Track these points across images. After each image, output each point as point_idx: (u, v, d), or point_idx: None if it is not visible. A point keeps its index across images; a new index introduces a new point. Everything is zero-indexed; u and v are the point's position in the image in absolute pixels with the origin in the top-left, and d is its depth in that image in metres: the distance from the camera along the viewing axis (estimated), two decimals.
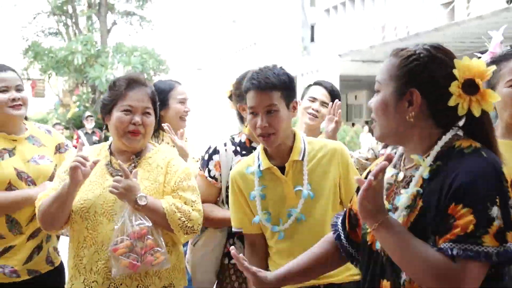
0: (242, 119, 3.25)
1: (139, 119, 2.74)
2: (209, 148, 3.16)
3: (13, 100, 3.19)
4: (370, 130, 26.37)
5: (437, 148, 1.80)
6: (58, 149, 3.42)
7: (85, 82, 23.32)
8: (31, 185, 3.19)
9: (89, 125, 14.93)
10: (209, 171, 3.08)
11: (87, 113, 15.45)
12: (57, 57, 21.51)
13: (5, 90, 3.19)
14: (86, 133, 14.63)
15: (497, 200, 1.65)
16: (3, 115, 3.20)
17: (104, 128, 2.91)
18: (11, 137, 3.25)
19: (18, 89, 3.23)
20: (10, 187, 3.12)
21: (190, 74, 46.53)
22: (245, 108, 2.97)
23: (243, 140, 3.17)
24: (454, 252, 1.63)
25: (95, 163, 2.63)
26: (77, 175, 2.59)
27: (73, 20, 28.70)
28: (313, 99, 3.92)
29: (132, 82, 2.80)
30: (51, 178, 3.21)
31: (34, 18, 30.04)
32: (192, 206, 2.74)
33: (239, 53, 47.05)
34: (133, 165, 2.79)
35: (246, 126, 3.15)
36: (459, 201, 1.66)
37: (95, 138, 14.67)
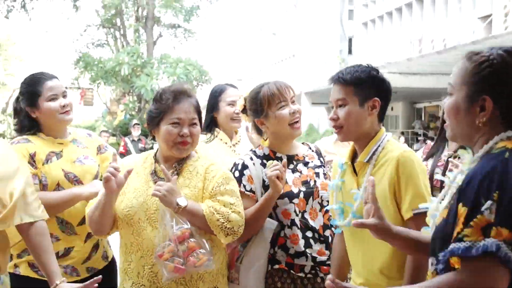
0: (260, 132, 3.21)
1: (187, 131, 2.77)
2: (237, 165, 3.10)
3: (63, 106, 3.27)
4: (406, 141, 26.07)
5: (482, 151, 1.76)
6: (99, 150, 3.52)
7: (131, 92, 23.53)
8: (77, 184, 3.26)
9: (136, 132, 15.04)
10: (244, 186, 3.02)
11: (134, 121, 15.55)
12: (105, 67, 21.76)
13: (55, 98, 3.28)
14: (132, 141, 14.73)
15: (495, 195, 1.57)
16: (55, 121, 3.29)
17: (151, 138, 2.91)
18: (58, 140, 3.32)
19: (64, 95, 3.33)
20: (58, 188, 3.19)
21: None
22: (264, 122, 3.07)
23: (266, 153, 3.12)
24: (448, 254, 1.61)
25: (129, 172, 2.67)
26: (110, 185, 2.64)
27: (121, 32, 29.05)
28: None
29: (178, 95, 2.82)
30: (96, 177, 3.36)
31: (85, 30, 30.52)
32: (231, 208, 2.73)
33: (278, 65, 47.09)
34: (175, 172, 2.81)
35: (265, 140, 3.17)
36: (460, 200, 1.65)
37: (141, 145, 14.76)
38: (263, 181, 3.01)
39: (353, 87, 2.62)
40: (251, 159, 3.07)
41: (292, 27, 42.64)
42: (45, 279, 3.02)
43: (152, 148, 16.49)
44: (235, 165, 3.10)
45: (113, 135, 22.05)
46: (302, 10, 41.15)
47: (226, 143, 3.93)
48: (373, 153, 2.63)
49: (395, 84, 26.95)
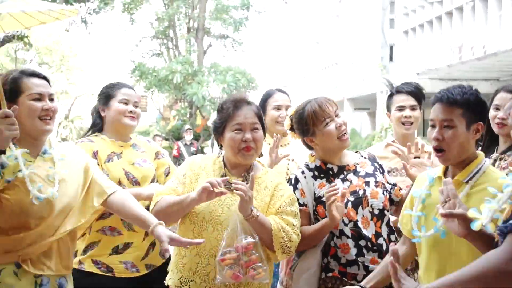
0: (311, 148, 3.18)
1: (249, 136, 2.78)
2: (290, 180, 3.11)
3: (131, 112, 3.42)
4: None
5: None
6: (157, 155, 3.62)
7: (183, 98, 23.83)
8: (135, 185, 3.35)
9: (188, 137, 15.31)
10: (297, 200, 3.00)
11: (187, 126, 15.86)
12: (159, 76, 22.13)
13: (126, 102, 3.43)
14: (185, 144, 15.00)
15: None
16: (119, 123, 3.43)
17: (219, 147, 2.96)
18: (119, 143, 3.45)
19: (136, 105, 3.47)
20: (119, 185, 3.23)
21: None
22: (312, 140, 3.05)
23: (318, 164, 3.10)
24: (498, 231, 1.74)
25: (223, 193, 2.64)
26: (204, 195, 2.64)
27: (174, 43, 29.47)
28: (401, 108, 3.78)
29: (237, 102, 2.86)
30: (153, 180, 3.46)
31: (140, 41, 31.09)
32: (293, 229, 2.76)
33: (322, 72, 46.83)
34: (245, 180, 2.81)
35: (312, 156, 3.15)
36: None
37: (193, 149, 15.04)
38: (314, 193, 3.00)
39: (462, 109, 2.43)
40: (303, 172, 3.05)
41: (334, 36, 42.44)
42: (108, 275, 3.24)
43: (202, 151, 16.78)
44: (289, 179, 3.09)
45: (166, 139, 22.40)
46: (344, 20, 40.92)
47: (269, 144, 3.87)
48: (473, 175, 2.43)
49: (436, 90, 26.50)
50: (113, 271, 3.26)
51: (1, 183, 2.46)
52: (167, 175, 3.58)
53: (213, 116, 22.83)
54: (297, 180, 3.04)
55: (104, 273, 3.23)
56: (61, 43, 38.95)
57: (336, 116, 3.01)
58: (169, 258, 3.37)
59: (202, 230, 2.74)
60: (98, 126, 3.47)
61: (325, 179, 3.02)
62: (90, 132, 3.50)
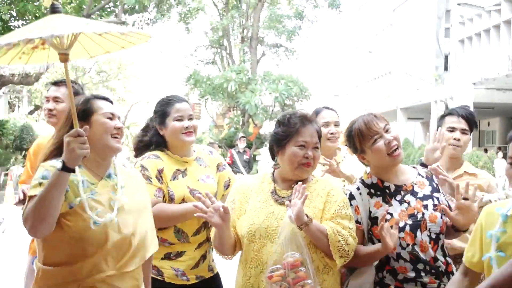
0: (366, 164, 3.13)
1: (311, 153, 2.79)
2: (345, 196, 3.01)
3: (186, 128, 3.33)
4: (504, 156, 24.75)
5: None
6: (218, 168, 3.56)
7: (236, 106, 23.87)
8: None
9: (241, 145, 15.16)
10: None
11: (240, 134, 15.70)
12: (213, 84, 22.19)
13: (180, 119, 3.35)
14: (238, 152, 14.89)
15: None
16: (177, 140, 3.36)
17: (275, 161, 2.94)
18: (183, 159, 3.40)
19: (190, 118, 3.38)
20: (183, 202, 3.26)
21: (328, 100, 46.48)
22: (364, 157, 2.99)
23: (374, 182, 3.00)
24: None
25: (226, 210, 2.70)
26: (215, 222, 2.71)
27: (228, 52, 29.67)
28: (452, 129, 3.69)
29: (304, 120, 2.84)
30: (215, 195, 3.38)
31: (195, 50, 31.42)
32: (349, 232, 2.72)
33: (374, 81, 46.36)
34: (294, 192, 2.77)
35: (367, 173, 3.06)
36: None
37: (246, 157, 14.90)
38: (370, 211, 2.92)
39: None
40: (358, 189, 2.98)
41: (388, 45, 41.88)
42: (158, 278, 3.22)
43: (255, 159, 16.67)
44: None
45: (219, 146, 22.44)
46: (398, 29, 40.33)
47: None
48: None
49: (493, 100, 25.86)
50: (163, 275, 3.27)
51: (64, 206, 2.47)
52: (226, 188, 3.56)
53: (266, 124, 22.75)
54: (352, 196, 2.97)
55: (154, 276, 3.20)
56: (119, 52, 39.80)
57: (386, 131, 2.93)
58: (216, 274, 3.46)
59: (261, 246, 2.74)
60: (160, 144, 3.43)
61: (381, 198, 2.93)
62: (155, 148, 3.44)
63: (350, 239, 2.69)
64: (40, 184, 2.41)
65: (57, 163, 2.40)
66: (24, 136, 28.44)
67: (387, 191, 2.92)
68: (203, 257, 3.37)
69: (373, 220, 2.88)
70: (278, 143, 2.85)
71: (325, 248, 2.68)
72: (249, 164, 15.12)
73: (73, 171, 2.36)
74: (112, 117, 2.65)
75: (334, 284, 2.78)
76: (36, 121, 37.82)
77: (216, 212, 2.69)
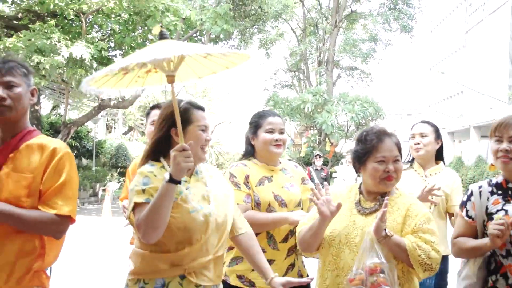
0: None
1: (392, 167, 2.74)
2: (467, 190, 2.99)
3: (276, 140, 3.37)
4: None
5: None
6: (303, 181, 3.56)
7: (313, 126, 23.79)
8: (283, 207, 3.33)
9: (318, 162, 15.09)
10: (466, 211, 2.92)
11: (316, 152, 15.61)
12: (291, 105, 22.21)
13: (271, 131, 3.40)
14: (315, 170, 14.80)
15: None
16: (266, 151, 3.41)
17: (358, 175, 2.92)
18: (270, 167, 3.45)
19: (281, 132, 3.42)
20: (269, 207, 3.30)
21: (401, 119, 45.47)
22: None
23: (499, 182, 2.90)
24: None
25: (339, 206, 2.66)
26: (324, 211, 2.68)
27: (305, 75, 29.69)
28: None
29: (381, 135, 2.80)
30: (299, 204, 3.42)
31: (275, 74, 31.66)
32: (431, 246, 2.64)
33: (447, 101, 45.00)
34: (377, 204, 2.78)
35: (492, 165, 2.96)
36: None
37: (323, 174, 14.79)
38: (487, 208, 2.85)
39: None
40: (480, 187, 2.92)
41: (460, 66, 40.59)
42: None
43: (331, 176, 16.51)
44: (466, 190, 3.00)
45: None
46: (470, 50, 39.03)
47: (419, 173, 4.01)
48: None
49: None
50: (255, 285, 3.28)
51: None
52: (311, 201, 3.46)
53: (342, 143, 22.52)
54: (471, 193, 2.93)
55: (247, 287, 3.27)
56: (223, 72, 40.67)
57: (509, 139, 2.82)
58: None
59: (340, 252, 2.74)
60: (250, 153, 3.50)
61: (501, 197, 2.84)
62: (243, 158, 3.54)
63: (432, 253, 2.62)
64: (143, 190, 2.50)
65: (151, 167, 2.55)
66: (119, 155, 29.58)
67: (510, 192, 2.83)
68: (292, 265, 3.36)
69: (489, 216, 2.81)
70: (359, 160, 2.83)
71: (406, 261, 2.64)
72: (327, 181, 15.00)
73: (179, 182, 2.42)
74: (205, 129, 2.71)
75: None
76: (130, 141, 39.23)
77: (327, 203, 2.68)
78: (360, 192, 2.89)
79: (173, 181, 2.39)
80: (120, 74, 2.52)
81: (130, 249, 3.66)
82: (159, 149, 2.67)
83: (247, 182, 3.31)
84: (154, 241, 2.47)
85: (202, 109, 2.77)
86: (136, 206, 2.48)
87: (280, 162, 3.53)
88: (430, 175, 4.03)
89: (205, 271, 2.64)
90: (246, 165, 3.41)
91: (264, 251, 3.21)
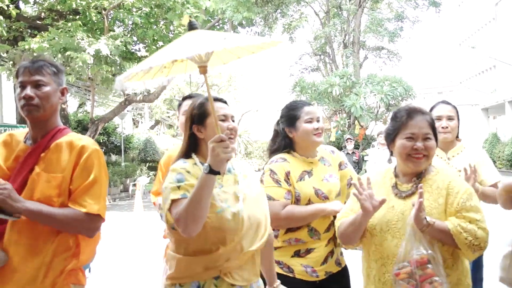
0: None
1: (421, 145, 2.71)
2: None
3: (316, 129, 3.36)
4: None
5: None
6: (340, 166, 3.53)
7: (341, 110, 23.62)
8: (324, 199, 3.32)
9: (349, 146, 14.97)
10: None
11: (348, 136, 15.48)
12: (318, 90, 22.05)
13: (310, 121, 3.37)
14: (347, 154, 14.69)
15: None
16: (308, 141, 3.38)
17: (390, 154, 2.91)
18: (309, 160, 3.41)
19: (318, 120, 3.40)
20: (309, 202, 3.29)
21: (431, 98, 44.85)
22: None
23: None
24: None
25: (381, 202, 2.65)
26: (367, 206, 2.66)
27: (331, 58, 29.45)
28: None
29: (412, 112, 2.78)
30: (338, 194, 3.42)
31: (300, 59, 31.45)
32: (477, 225, 2.57)
33: (478, 77, 44.17)
34: (414, 186, 2.73)
35: None
36: None
37: (354, 158, 14.68)
38: None
39: None
40: None
41: (491, 39, 39.71)
42: (289, 275, 3.27)
43: (363, 159, 16.36)
44: None
45: None
46: (501, 21, 38.15)
47: (441, 157, 3.90)
48: None
49: None
50: (293, 271, 3.28)
51: None
52: (349, 186, 3.51)
53: (371, 125, 22.29)
54: None
55: (285, 273, 3.27)
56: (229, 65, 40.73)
57: None
58: (344, 267, 3.41)
59: (382, 240, 2.72)
60: (288, 146, 3.46)
61: None
62: (281, 152, 3.49)
63: (479, 232, 2.55)
64: (179, 187, 2.51)
65: (184, 164, 2.59)
66: (147, 149, 29.87)
67: None
68: (331, 252, 3.35)
69: None
70: (389, 138, 2.84)
71: (452, 245, 2.59)
72: (359, 165, 14.88)
73: (219, 173, 2.43)
74: (225, 119, 2.73)
75: (460, 278, 2.67)
76: (157, 135, 39.58)
77: (369, 198, 2.66)
78: (396, 175, 2.85)
79: (213, 172, 2.39)
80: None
81: (164, 243, 3.70)
82: (189, 148, 2.71)
83: (288, 179, 3.29)
84: (194, 234, 2.46)
85: (219, 100, 2.80)
86: (173, 203, 2.49)
87: (317, 151, 3.49)
88: (453, 156, 3.96)
89: (240, 271, 2.65)
90: (286, 159, 3.39)
91: (304, 242, 3.30)
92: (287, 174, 3.30)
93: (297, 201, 3.27)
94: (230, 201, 2.64)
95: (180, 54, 2.30)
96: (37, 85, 2.57)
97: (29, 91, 2.54)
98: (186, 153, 2.70)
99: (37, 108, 2.56)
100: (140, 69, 2.36)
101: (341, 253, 3.43)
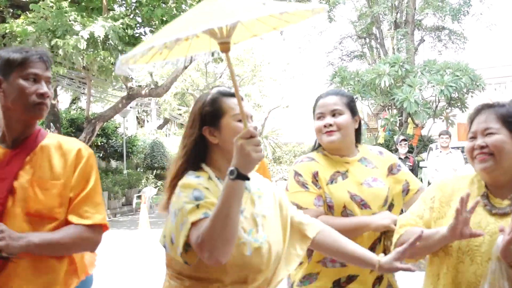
0: None
1: (480, 142, 2.68)
2: None
3: (325, 126, 3.34)
4: None
5: None
6: (390, 170, 3.46)
7: (391, 105, 23.46)
8: (363, 208, 3.27)
9: (403, 150, 14.78)
10: None
11: (401, 137, 15.28)
12: (363, 80, 21.91)
13: (320, 116, 3.38)
14: (399, 158, 14.52)
15: None
16: (321, 141, 3.40)
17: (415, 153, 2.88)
18: (344, 159, 3.38)
19: (334, 113, 3.36)
20: (345, 210, 3.23)
21: (505, 89, 44.37)
22: None
23: None
24: None
25: (474, 236, 2.53)
26: (457, 231, 2.53)
27: (378, 41, 29.35)
28: None
29: (479, 108, 2.78)
30: (385, 202, 3.34)
31: (340, 43, 31.36)
32: None
33: None
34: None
35: None
36: None
37: (408, 164, 14.51)
38: None
39: None
40: None
41: None
42: None
43: (418, 165, 16.16)
44: None
45: None
46: None
47: None
48: None
49: None
50: None
51: None
52: (406, 193, 3.46)
53: (429, 123, 22.07)
54: None
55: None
56: (253, 52, 40.82)
57: None
58: None
59: (458, 262, 2.65)
60: (318, 144, 3.50)
61: None
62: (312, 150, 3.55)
63: None
64: (198, 206, 2.40)
65: (197, 178, 2.48)
66: (154, 154, 30.11)
67: None
68: (379, 279, 3.32)
69: None
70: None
71: None
72: (414, 172, 14.74)
73: (248, 178, 2.31)
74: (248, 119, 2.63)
75: None
76: (167, 136, 39.85)
77: (464, 223, 2.51)
78: (486, 186, 2.76)
79: (242, 176, 2.27)
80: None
81: None
82: (196, 156, 2.60)
83: (316, 181, 3.27)
84: (225, 260, 2.34)
85: (233, 96, 2.69)
86: (193, 226, 2.36)
87: (358, 150, 3.47)
88: None
89: None
90: (313, 159, 3.39)
91: (343, 265, 3.24)
92: (315, 175, 3.28)
93: (329, 208, 3.23)
94: (253, 229, 2.56)
95: (197, 27, 2.17)
96: (47, 82, 2.68)
97: (46, 88, 2.65)
98: (194, 165, 2.58)
99: (47, 108, 2.69)
100: (145, 49, 2.29)
101: (394, 277, 3.40)
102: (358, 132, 3.50)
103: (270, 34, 2.64)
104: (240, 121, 2.58)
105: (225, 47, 2.39)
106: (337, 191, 3.27)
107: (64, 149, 2.66)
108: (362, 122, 21.91)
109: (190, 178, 2.50)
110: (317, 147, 3.49)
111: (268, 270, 2.59)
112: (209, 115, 2.60)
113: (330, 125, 3.32)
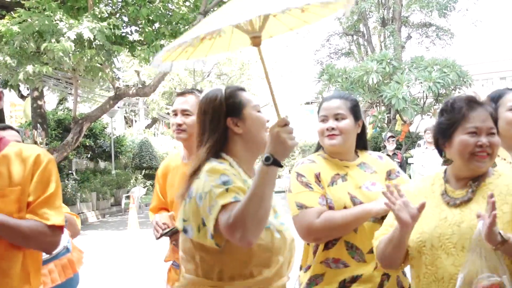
0: None
1: (485, 141, 2.69)
2: None
3: (327, 129, 3.35)
4: None
5: None
6: (389, 175, 3.47)
7: (379, 102, 23.52)
8: None
9: (390, 146, 14.86)
10: None
11: (389, 134, 15.37)
12: (351, 78, 21.95)
13: (324, 119, 3.39)
14: (387, 155, 14.57)
15: None
16: (323, 144, 3.42)
17: (443, 156, 2.87)
18: (343, 163, 3.40)
19: (337, 117, 3.36)
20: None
21: (492, 85, 44.60)
22: None
23: None
24: None
25: (422, 206, 2.61)
26: (403, 217, 2.62)
27: (365, 38, 29.40)
28: None
29: (472, 102, 2.77)
30: None
31: (327, 40, 31.34)
32: None
33: None
34: (470, 191, 2.72)
35: None
36: None
37: (396, 160, 14.58)
38: None
39: None
40: None
41: None
42: None
43: (407, 162, 16.24)
44: None
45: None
46: None
47: (504, 159, 3.64)
48: None
49: None
50: None
51: None
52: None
53: (417, 120, 22.15)
54: None
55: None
56: (240, 50, 40.75)
57: None
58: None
59: (435, 259, 2.69)
60: (320, 146, 3.53)
61: None
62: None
63: None
64: (227, 190, 2.49)
65: (221, 164, 2.57)
66: (143, 154, 30.05)
67: None
68: (386, 275, 3.30)
69: None
70: (443, 134, 2.80)
71: None
72: (402, 168, 14.78)
73: (282, 166, 2.43)
74: (260, 110, 2.77)
75: None
76: (155, 135, 39.76)
77: (406, 207, 2.62)
78: (446, 181, 2.84)
79: (277, 163, 2.39)
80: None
81: (165, 268, 3.73)
82: (217, 146, 2.69)
83: (319, 181, 3.31)
84: (255, 242, 2.44)
85: (243, 90, 2.84)
86: (224, 208, 2.44)
87: (358, 156, 3.49)
88: None
89: None
90: (314, 161, 3.41)
91: (346, 266, 3.27)
92: (317, 176, 3.31)
93: (330, 209, 3.26)
94: (277, 214, 2.70)
95: (232, 19, 2.26)
96: None
97: None
98: (215, 153, 2.67)
99: None
100: (179, 43, 2.37)
101: (404, 273, 3.38)
102: (362, 136, 3.51)
103: (303, 29, 2.76)
104: (259, 111, 2.74)
105: (256, 41, 2.49)
106: (337, 193, 3.30)
107: (24, 156, 2.68)
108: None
109: (215, 164, 2.59)
110: (319, 148, 3.53)
111: (285, 253, 2.68)
112: (233, 107, 2.70)
113: (333, 128, 3.34)
